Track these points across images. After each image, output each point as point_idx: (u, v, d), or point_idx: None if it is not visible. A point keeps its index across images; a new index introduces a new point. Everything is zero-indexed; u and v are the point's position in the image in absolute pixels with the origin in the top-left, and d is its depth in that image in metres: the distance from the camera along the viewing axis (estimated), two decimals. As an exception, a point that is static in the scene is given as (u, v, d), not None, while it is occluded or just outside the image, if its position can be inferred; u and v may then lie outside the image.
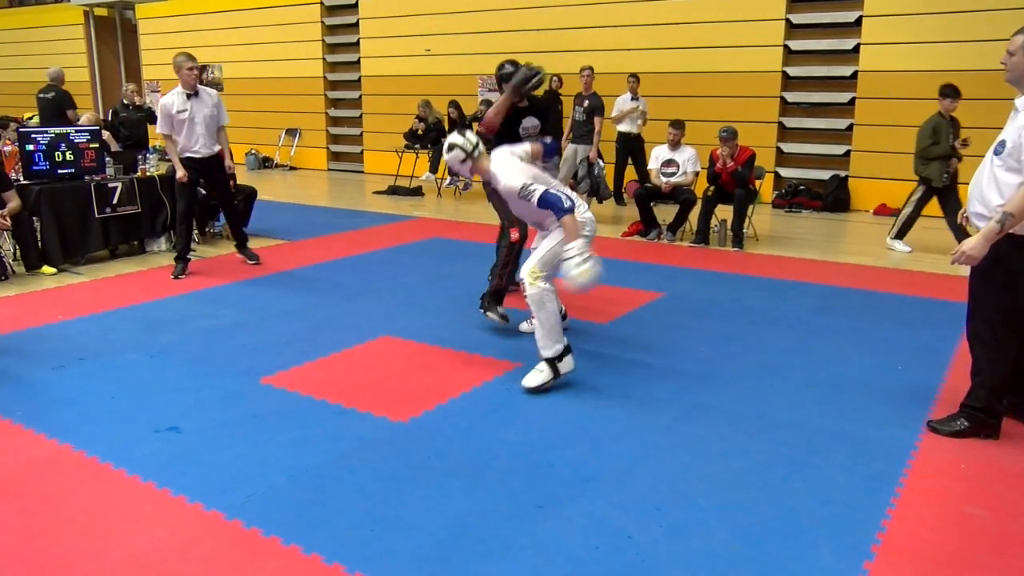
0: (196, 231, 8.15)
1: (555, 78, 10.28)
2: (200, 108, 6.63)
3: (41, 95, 10.81)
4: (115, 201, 7.29)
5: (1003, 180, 3.34)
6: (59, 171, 7.07)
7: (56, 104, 10.61)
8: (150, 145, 10.65)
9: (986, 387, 3.59)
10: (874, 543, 2.77)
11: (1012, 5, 9.27)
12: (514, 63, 5.19)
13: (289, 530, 2.81)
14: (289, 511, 2.95)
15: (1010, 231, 3.31)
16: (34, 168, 6.94)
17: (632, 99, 10.24)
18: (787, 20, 10.73)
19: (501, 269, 5.38)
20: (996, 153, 3.41)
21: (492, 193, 5.07)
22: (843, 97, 10.53)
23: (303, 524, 2.86)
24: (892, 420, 3.81)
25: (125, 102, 11.53)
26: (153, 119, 11.69)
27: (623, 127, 10.28)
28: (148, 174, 7.66)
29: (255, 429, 3.68)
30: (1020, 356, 3.60)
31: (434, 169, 12.02)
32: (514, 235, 5.27)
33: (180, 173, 6.58)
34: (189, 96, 6.59)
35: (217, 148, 6.79)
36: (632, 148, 10.24)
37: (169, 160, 6.76)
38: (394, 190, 12.18)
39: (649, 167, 8.73)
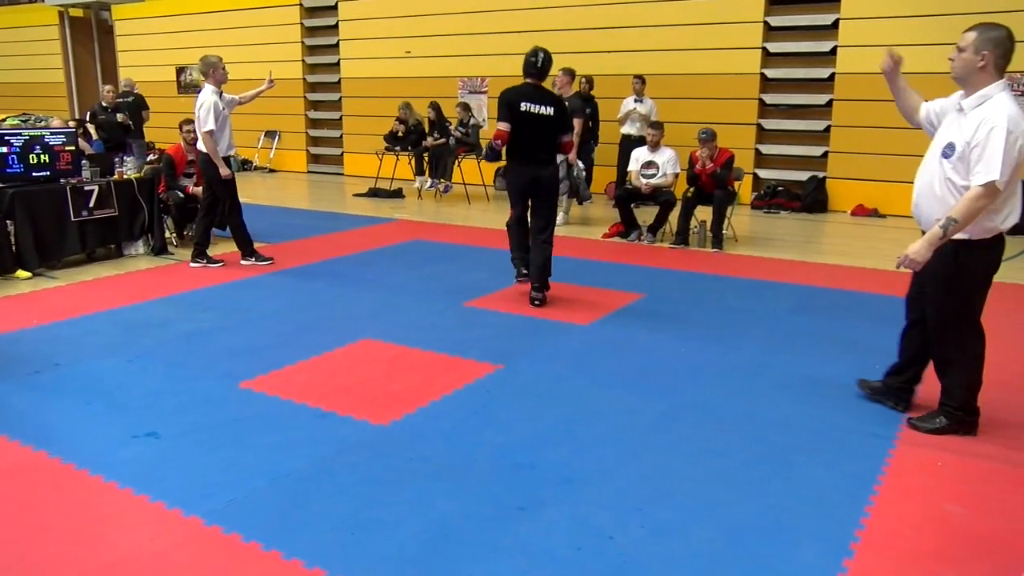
0: (174, 234, 8.10)
1: (584, 80, 10.28)
2: (227, 107, 6.87)
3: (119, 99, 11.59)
4: (92, 204, 7.21)
5: (958, 184, 3.35)
6: (34, 174, 6.98)
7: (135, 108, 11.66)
8: (133, 147, 10.59)
9: (962, 385, 3.64)
10: (853, 540, 2.79)
11: (987, 9, 9.38)
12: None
13: (269, 535, 2.79)
14: (269, 516, 2.93)
15: (964, 236, 3.35)
16: (8, 171, 6.85)
17: (636, 100, 10.27)
18: (765, 23, 10.81)
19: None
20: (945, 156, 3.41)
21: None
22: (821, 99, 10.62)
23: (284, 529, 2.84)
24: (871, 418, 3.85)
25: (104, 104, 11.44)
26: (143, 106, 11.79)
27: (626, 129, 10.31)
28: (126, 177, 7.58)
29: (235, 434, 3.65)
30: (922, 347, 3.75)
31: (422, 171, 12.01)
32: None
33: (225, 171, 6.79)
34: (220, 95, 6.78)
35: None
36: (632, 149, 10.26)
37: (150, 163, 6.75)
38: (374, 192, 12.14)
39: (629, 168, 8.76)
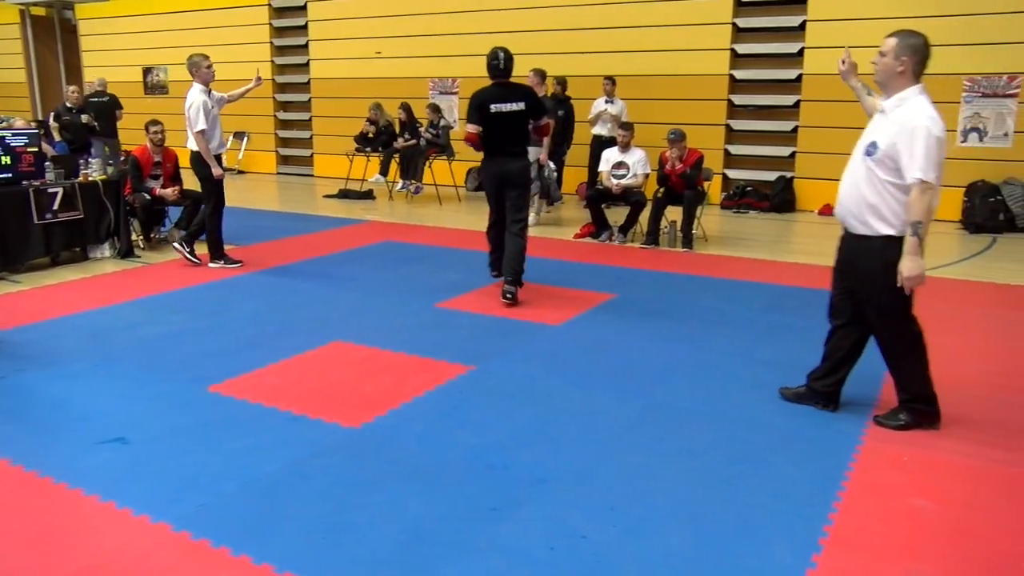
0: (141, 236, 7.99)
1: (557, 82, 10.29)
2: (216, 106, 6.90)
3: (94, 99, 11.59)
4: (56, 206, 7.09)
5: (882, 179, 3.46)
6: (-4, 176, 6.85)
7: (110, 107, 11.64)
8: (93, 149, 10.43)
9: (915, 376, 3.71)
10: (822, 536, 2.83)
11: (950, 12, 9.57)
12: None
13: (240, 540, 2.76)
14: (240, 520, 2.90)
15: (891, 232, 3.47)
16: (-31, 173, 6.72)
17: (607, 101, 10.30)
18: (734, 24, 10.91)
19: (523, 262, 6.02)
20: (868, 154, 3.52)
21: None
22: (788, 100, 10.74)
23: (254, 533, 2.81)
24: (838, 415, 3.90)
25: (68, 105, 11.26)
26: (118, 105, 11.74)
27: (597, 129, 10.34)
28: (91, 179, 7.46)
29: (204, 438, 3.60)
30: (853, 349, 3.84)
31: (384, 172, 11.95)
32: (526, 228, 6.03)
33: (217, 171, 6.81)
34: (208, 93, 6.81)
35: None
36: (603, 150, 10.30)
37: (112, 164, 6.66)
38: (345, 193, 12.06)
39: (600, 169, 8.79)
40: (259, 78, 7.40)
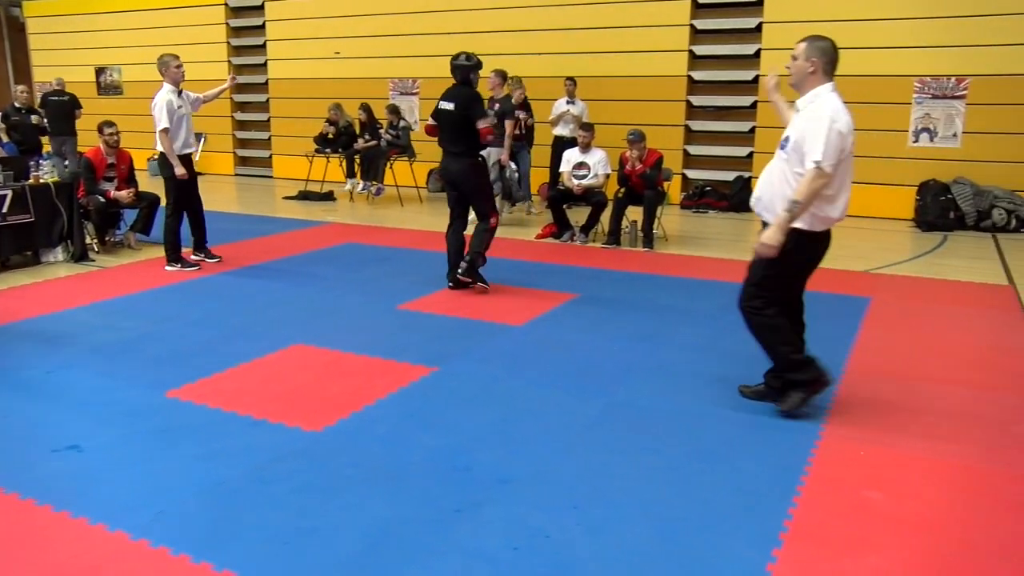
0: (95, 240, 7.83)
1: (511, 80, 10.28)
2: (187, 105, 6.95)
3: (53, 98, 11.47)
4: (5, 209, 6.91)
5: (793, 172, 3.63)
6: (-58, 179, 6.67)
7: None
8: (44, 151, 10.21)
9: (780, 345, 3.85)
10: (782, 530, 2.87)
11: (901, 15, 9.78)
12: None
13: (200, 547, 2.72)
14: (200, 528, 2.86)
15: (801, 225, 3.61)
16: (-86, 176, 6.53)
17: (568, 102, 10.33)
18: (691, 26, 11.03)
19: (487, 247, 6.17)
20: (781, 148, 3.71)
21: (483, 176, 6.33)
22: (746, 100, 10.89)
23: (215, 540, 2.77)
24: (798, 411, 3.95)
25: (17, 105, 11.01)
26: (77, 104, 11.63)
27: (558, 130, 10.37)
28: (42, 181, 7.29)
29: (162, 445, 3.55)
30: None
31: (351, 174, 11.86)
32: (495, 220, 6.22)
33: (180, 171, 6.80)
34: (179, 93, 6.87)
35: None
36: (565, 151, 10.32)
37: (68, 166, 6.55)
38: (305, 195, 11.95)
39: (561, 170, 8.83)
40: (234, 77, 7.54)
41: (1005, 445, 3.61)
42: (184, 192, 6.98)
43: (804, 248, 3.72)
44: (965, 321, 5.58)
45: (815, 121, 3.54)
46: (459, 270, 6.13)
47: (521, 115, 9.94)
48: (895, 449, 3.57)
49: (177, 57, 6.95)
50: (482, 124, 6.04)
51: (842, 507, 3.05)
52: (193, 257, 7.25)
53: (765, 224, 3.80)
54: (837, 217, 3.69)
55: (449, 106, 6.10)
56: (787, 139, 3.69)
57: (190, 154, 7.05)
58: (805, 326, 4.04)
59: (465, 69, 6.14)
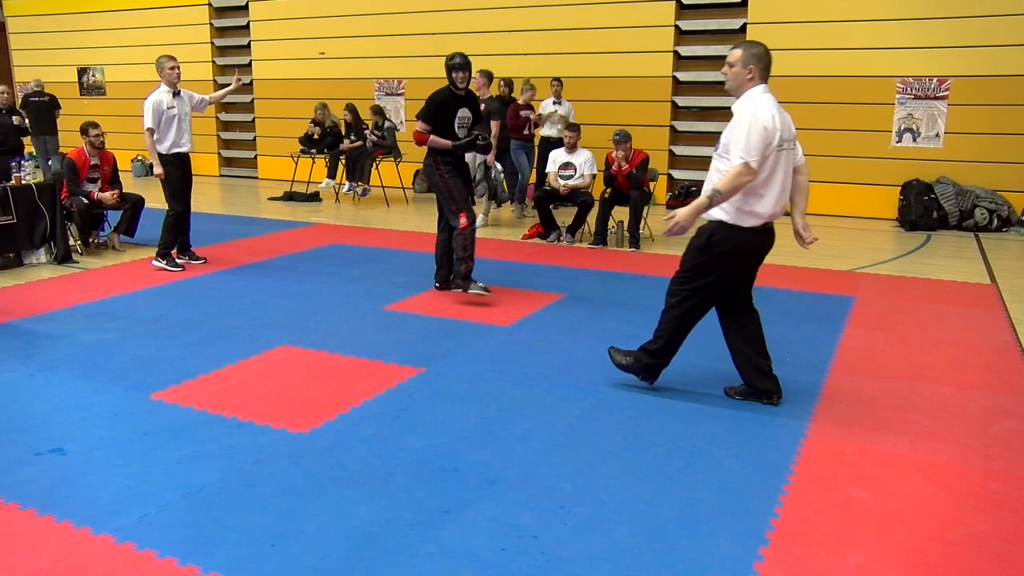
0: (79, 241, 7.77)
1: (503, 83, 10.28)
2: (183, 106, 7.00)
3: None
4: (-14, 211, 6.86)
5: (722, 171, 3.75)
6: (-78, 180, 6.60)
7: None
8: (26, 152, 10.12)
9: (661, 341, 4.08)
10: (768, 529, 2.89)
11: (883, 16, 9.85)
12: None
13: (185, 550, 2.71)
14: (184, 530, 2.84)
15: (724, 217, 3.76)
16: None
17: (555, 103, 10.34)
18: (676, 27, 11.07)
19: (466, 251, 5.89)
20: (716, 150, 3.85)
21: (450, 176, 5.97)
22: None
23: (200, 543, 2.76)
24: (783, 410, 3.98)
25: (-4, 106, 10.90)
26: (57, 105, 11.74)
27: (545, 131, 10.38)
28: (24, 182, 7.23)
29: (146, 447, 3.52)
30: (748, 345, 4.04)
31: (332, 175, 11.82)
32: (463, 220, 5.88)
33: (159, 170, 6.90)
34: (174, 94, 6.92)
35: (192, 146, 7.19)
36: (551, 151, 10.33)
37: (51, 163, 6.52)
38: (290, 196, 11.90)
39: (547, 170, 8.84)
40: (239, 78, 7.53)
41: (986, 443, 3.65)
42: (184, 191, 7.05)
43: (729, 240, 3.80)
44: (948, 320, 5.63)
45: (737, 120, 3.69)
46: (451, 285, 6.06)
47: (532, 116, 9.97)
48: (879, 447, 3.59)
49: (172, 59, 7.02)
50: (416, 125, 5.95)
51: (828, 505, 3.07)
52: (179, 260, 7.21)
53: (715, 221, 3.88)
54: (766, 213, 3.78)
55: None
56: (719, 140, 3.82)
57: (186, 154, 7.04)
58: (759, 321, 4.10)
59: (445, 68, 6.05)
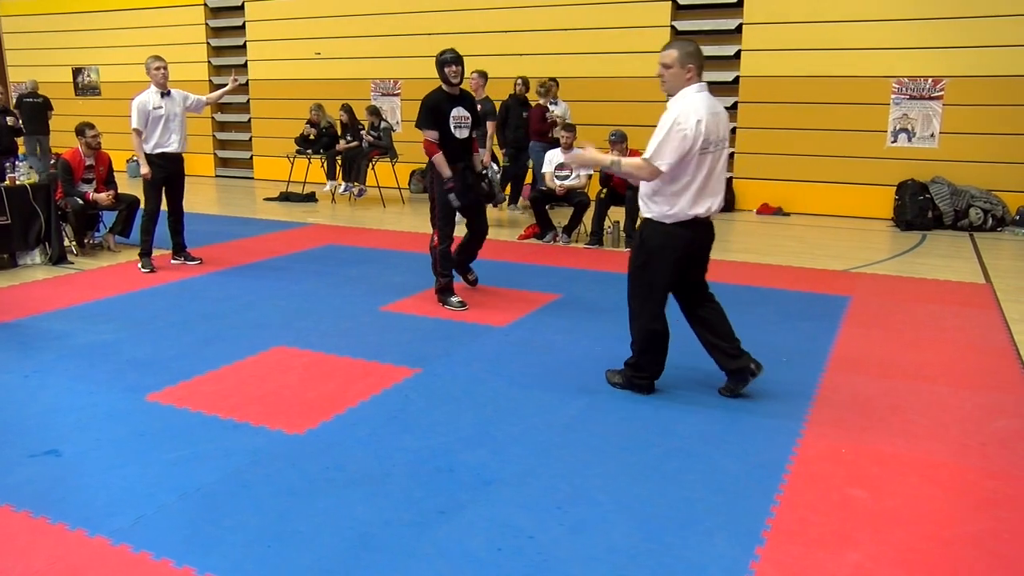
0: (74, 242, 7.75)
1: (519, 81, 10.28)
2: (173, 106, 6.95)
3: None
4: (-20, 212, 6.83)
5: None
6: (-84, 181, 6.57)
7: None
8: (19, 152, 10.10)
9: (639, 350, 4.12)
10: (764, 528, 2.89)
11: (879, 17, 9.87)
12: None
13: (181, 552, 2.70)
14: (180, 532, 2.83)
15: (648, 215, 3.91)
16: None
17: (551, 103, 10.34)
18: (672, 27, 11.08)
19: (437, 268, 5.89)
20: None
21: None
22: (726, 101, 10.92)
23: (196, 544, 2.75)
24: (778, 410, 3.98)
25: (-9, 106, 10.88)
26: (49, 106, 11.87)
27: None
28: (18, 183, 7.21)
29: (142, 448, 3.52)
30: (710, 332, 4.14)
31: (331, 175, 11.81)
32: (435, 239, 5.88)
33: (145, 170, 6.88)
34: (163, 95, 6.90)
35: (185, 146, 7.13)
36: (548, 152, 10.32)
37: (41, 162, 6.52)
38: (286, 196, 11.89)
39: (543, 170, 8.84)
40: (236, 79, 7.48)
41: (982, 442, 3.65)
42: (158, 192, 6.98)
43: (658, 235, 3.91)
44: (944, 319, 5.64)
45: (664, 119, 3.74)
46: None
47: (555, 112, 9.99)
48: (875, 446, 3.60)
49: (159, 59, 6.97)
50: (425, 135, 5.70)
51: (824, 505, 3.08)
52: (172, 261, 7.20)
53: (643, 219, 4.02)
54: (687, 212, 3.83)
55: None
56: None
57: (175, 154, 7.00)
58: (719, 308, 4.17)
59: (436, 66, 5.77)
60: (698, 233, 3.95)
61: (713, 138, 3.76)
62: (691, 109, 3.69)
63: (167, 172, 6.98)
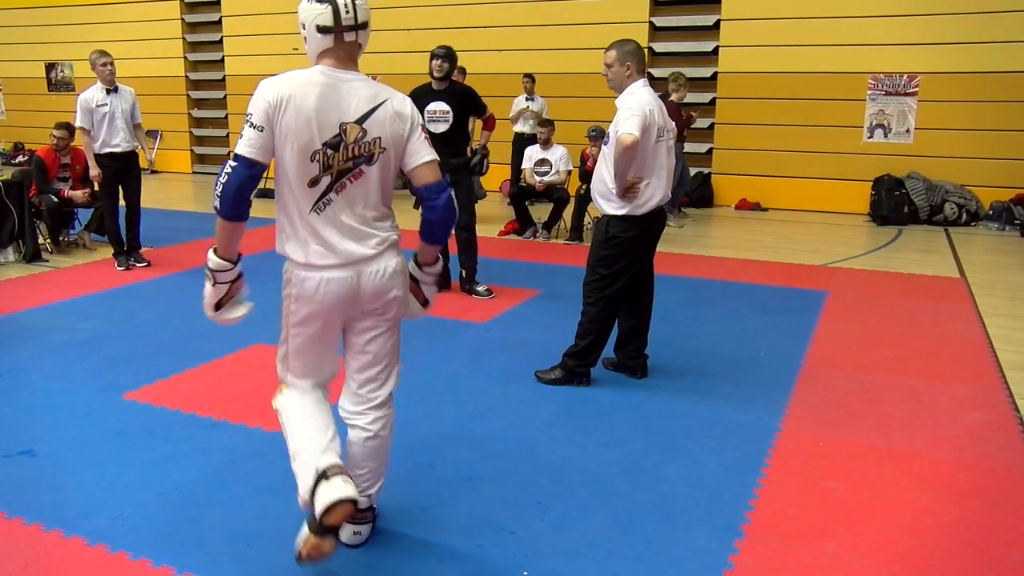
0: (48, 240, 7.65)
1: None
2: (119, 103, 6.73)
3: None
4: (-48, 210, 6.73)
5: (609, 166, 4.00)
6: None
7: None
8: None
9: (583, 336, 4.22)
10: (744, 522, 2.91)
11: (855, 13, 9.95)
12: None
13: (159, 551, 2.68)
14: (159, 531, 2.81)
15: (613, 211, 4.02)
16: None
17: (527, 99, 10.34)
18: (650, 23, 11.10)
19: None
20: (605, 143, 4.08)
21: None
22: (705, 97, 10.99)
23: (174, 544, 2.73)
24: (757, 404, 4.02)
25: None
26: None
27: (518, 127, 10.37)
28: (-11, 180, 7.11)
29: (119, 448, 3.48)
30: (633, 318, 4.34)
31: None
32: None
33: (94, 172, 6.72)
34: (108, 91, 6.70)
35: (135, 144, 6.92)
36: (526, 147, 10.32)
37: (16, 165, 6.40)
38: (264, 193, 11.77)
39: (523, 166, 8.84)
40: (153, 151, 7.34)
41: (956, 434, 3.70)
42: (113, 192, 6.84)
43: (624, 228, 4.05)
44: (919, 313, 5.71)
45: (627, 110, 3.90)
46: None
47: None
48: (852, 439, 3.64)
49: (105, 54, 6.75)
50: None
51: (802, 498, 3.11)
52: (118, 268, 6.94)
53: (601, 215, 4.16)
54: (649, 202, 4.02)
55: None
56: (608, 135, 4.02)
57: (124, 152, 6.75)
58: (651, 298, 4.39)
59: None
60: (656, 222, 4.17)
61: (662, 124, 4.01)
62: (643, 101, 3.92)
63: (117, 171, 6.77)
